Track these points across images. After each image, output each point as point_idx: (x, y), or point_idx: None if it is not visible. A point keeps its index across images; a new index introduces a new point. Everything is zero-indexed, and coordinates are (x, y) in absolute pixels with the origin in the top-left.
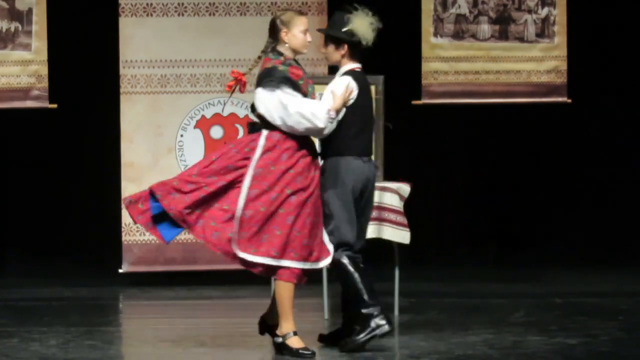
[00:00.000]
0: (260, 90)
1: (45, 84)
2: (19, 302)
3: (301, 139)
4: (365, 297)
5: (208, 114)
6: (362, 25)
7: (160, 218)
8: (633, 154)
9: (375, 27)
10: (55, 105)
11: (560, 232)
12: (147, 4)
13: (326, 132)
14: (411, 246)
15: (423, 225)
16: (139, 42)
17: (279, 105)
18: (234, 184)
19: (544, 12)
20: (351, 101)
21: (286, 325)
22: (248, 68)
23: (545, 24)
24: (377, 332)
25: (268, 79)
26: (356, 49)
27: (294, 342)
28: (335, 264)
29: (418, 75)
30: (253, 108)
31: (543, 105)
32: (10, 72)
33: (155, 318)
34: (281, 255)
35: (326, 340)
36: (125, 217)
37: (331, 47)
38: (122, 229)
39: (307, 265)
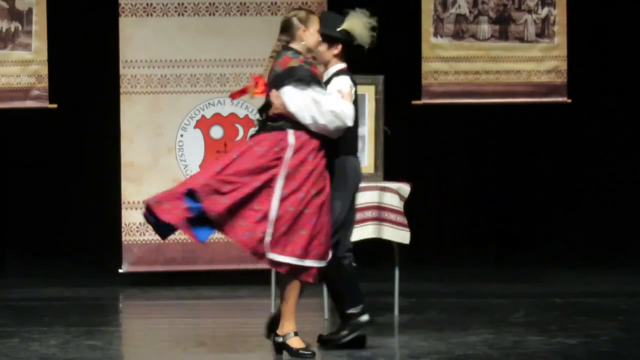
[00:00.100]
0: (289, 88)
1: (45, 84)
2: (19, 302)
3: (323, 139)
4: (352, 296)
5: (208, 114)
6: (358, 25)
7: (196, 219)
8: (633, 154)
9: (371, 27)
10: (55, 105)
11: (560, 232)
12: (147, 4)
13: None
14: (411, 246)
15: (423, 225)
16: (139, 42)
17: (312, 103)
18: (268, 183)
19: (544, 12)
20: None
21: (287, 325)
22: (264, 69)
23: (545, 24)
24: (359, 332)
25: (297, 77)
26: (348, 49)
27: (295, 343)
28: (335, 264)
29: (418, 75)
30: (261, 109)
31: (543, 105)
32: (10, 72)
33: (155, 318)
34: (305, 255)
35: (326, 340)
36: (125, 217)
37: (323, 47)
38: (122, 229)
39: (322, 264)
